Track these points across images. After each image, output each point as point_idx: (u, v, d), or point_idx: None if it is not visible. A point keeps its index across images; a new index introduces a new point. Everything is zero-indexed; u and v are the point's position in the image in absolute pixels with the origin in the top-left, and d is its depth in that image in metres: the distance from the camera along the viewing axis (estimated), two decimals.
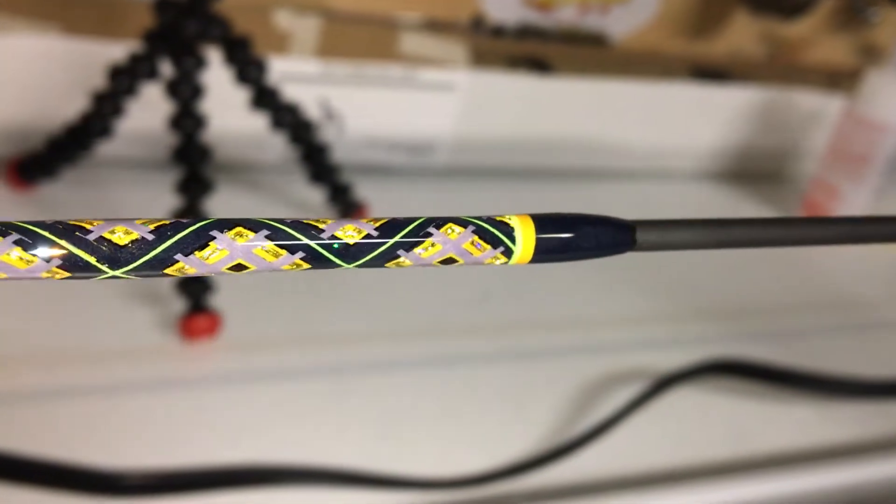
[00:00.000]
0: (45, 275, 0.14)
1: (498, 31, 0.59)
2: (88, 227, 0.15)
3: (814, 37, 0.69)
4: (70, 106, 0.47)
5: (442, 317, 0.49)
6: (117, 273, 0.15)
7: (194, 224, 0.16)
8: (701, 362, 0.45)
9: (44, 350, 0.40)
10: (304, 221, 0.17)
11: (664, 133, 0.69)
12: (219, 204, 0.44)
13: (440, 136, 0.61)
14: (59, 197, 0.50)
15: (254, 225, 0.17)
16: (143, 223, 0.16)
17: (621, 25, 0.61)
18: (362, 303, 0.48)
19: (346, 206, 0.53)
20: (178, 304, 0.43)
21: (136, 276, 0.15)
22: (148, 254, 0.15)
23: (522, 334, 0.49)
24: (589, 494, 0.38)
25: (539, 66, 0.61)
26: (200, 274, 0.15)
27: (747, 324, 0.54)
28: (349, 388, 0.42)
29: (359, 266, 0.17)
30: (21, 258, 0.14)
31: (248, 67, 0.45)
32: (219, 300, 0.43)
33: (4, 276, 0.14)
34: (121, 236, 0.15)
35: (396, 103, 0.58)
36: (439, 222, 0.18)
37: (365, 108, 0.58)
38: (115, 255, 0.15)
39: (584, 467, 0.39)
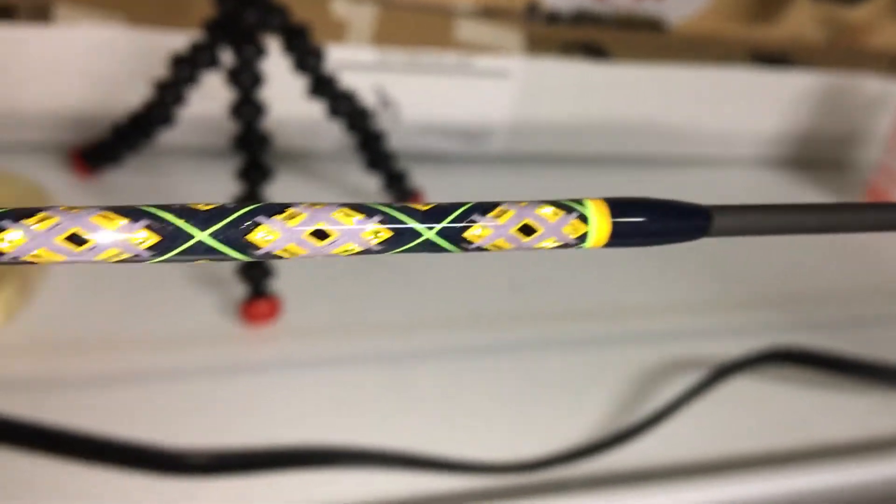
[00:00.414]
0: (133, 240, 0.15)
1: (553, 18, 0.58)
2: (169, 205, 0.16)
3: (876, 20, 0.68)
4: (133, 95, 0.48)
5: (501, 304, 0.48)
6: (204, 236, 0.15)
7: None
8: (761, 351, 0.45)
9: (108, 335, 0.41)
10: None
11: (723, 119, 0.68)
12: (277, 190, 0.44)
13: (496, 123, 0.61)
14: (123, 183, 0.51)
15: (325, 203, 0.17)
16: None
17: (678, 10, 0.61)
18: (421, 290, 0.48)
19: (402, 193, 0.53)
20: (240, 290, 0.44)
21: (221, 243, 0.15)
22: (233, 214, 0.15)
23: (581, 322, 0.48)
24: (646, 481, 0.38)
25: (595, 52, 0.61)
26: (283, 242, 0.16)
27: (809, 312, 0.53)
28: (407, 374, 0.42)
29: (438, 234, 0.17)
30: (113, 222, 0.15)
31: (306, 56, 0.46)
32: (278, 285, 0.44)
33: (95, 241, 0.14)
34: (202, 206, 0.15)
35: (452, 90, 0.59)
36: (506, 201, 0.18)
37: (420, 95, 0.58)
38: (199, 216, 0.15)
39: (642, 454, 0.39)
